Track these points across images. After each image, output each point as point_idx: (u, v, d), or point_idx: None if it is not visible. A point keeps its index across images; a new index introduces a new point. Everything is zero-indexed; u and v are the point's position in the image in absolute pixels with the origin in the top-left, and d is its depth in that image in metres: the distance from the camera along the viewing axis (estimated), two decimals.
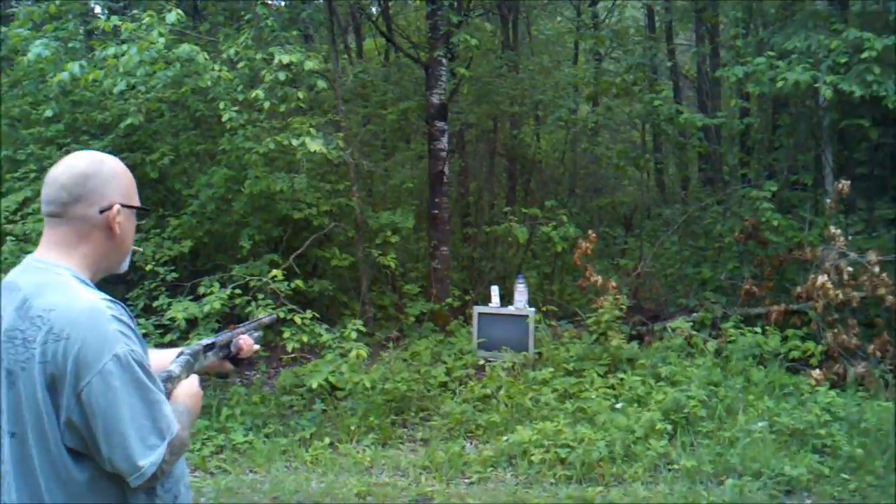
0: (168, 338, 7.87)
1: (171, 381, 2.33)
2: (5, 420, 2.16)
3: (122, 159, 7.27)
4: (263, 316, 3.28)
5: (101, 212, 2.24)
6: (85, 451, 2.09)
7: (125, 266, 2.39)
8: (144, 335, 2.49)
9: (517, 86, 12.17)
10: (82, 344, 2.04)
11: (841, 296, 8.04)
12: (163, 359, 2.47)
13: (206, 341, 2.62)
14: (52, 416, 2.07)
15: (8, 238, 8.55)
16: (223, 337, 2.72)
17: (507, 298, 9.12)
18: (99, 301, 2.12)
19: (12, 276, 2.25)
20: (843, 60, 8.35)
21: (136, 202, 2.35)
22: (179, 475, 2.34)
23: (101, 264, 2.30)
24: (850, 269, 8.16)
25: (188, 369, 2.44)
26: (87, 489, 2.12)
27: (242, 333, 2.80)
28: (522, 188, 12.85)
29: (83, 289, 2.16)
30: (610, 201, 13.48)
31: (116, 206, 2.26)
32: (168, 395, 2.28)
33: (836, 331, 8.09)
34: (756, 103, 12.35)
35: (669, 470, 6.57)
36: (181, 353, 2.49)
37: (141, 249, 2.39)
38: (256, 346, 2.84)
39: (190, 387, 2.39)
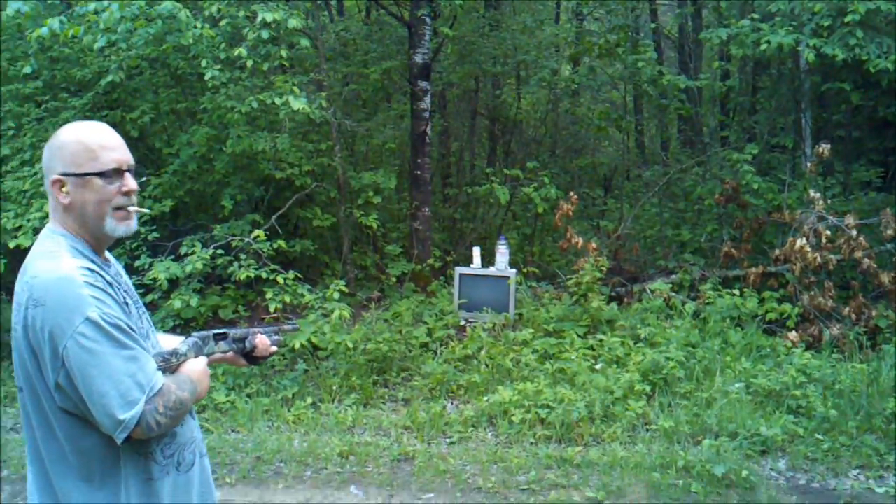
0: (149, 298, 7.88)
1: (175, 356, 2.41)
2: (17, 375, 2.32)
3: (102, 118, 7.20)
4: (286, 323, 3.33)
5: (52, 184, 2.34)
6: (77, 412, 2.20)
7: (115, 230, 2.40)
8: None
9: (500, 46, 12.12)
10: (56, 311, 2.15)
11: (819, 259, 8.12)
12: (170, 343, 2.56)
13: (217, 330, 2.69)
14: (39, 376, 2.21)
15: None
16: (238, 330, 2.78)
17: (488, 259, 9.16)
18: (74, 269, 2.21)
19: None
20: (826, 23, 8.34)
21: (88, 168, 2.34)
22: (186, 442, 2.42)
23: (85, 231, 2.38)
24: (828, 232, 8.24)
25: (195, 350, 2.51)
26: (75, 448, 2.23)
27: (260, 333, 2.85)
28: (504, 149, 12.83)
29: (68, 257, 2.25)
30: (590, 162, 13.48)
31: (54, 177, 2.33)
32: (173, 370, 2.38)
33: (812, 293, 8.19)
34: (737, 65, 12.36)
35: (647, 430, 6.67)
36: (189, 335, 2.57)
37: (147, 211, 2.43)
38: (273, 348, 2.90)
39: (196, 364, 2.47)
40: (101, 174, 2.35)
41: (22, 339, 2.20)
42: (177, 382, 2.31)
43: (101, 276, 2.26)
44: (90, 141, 2.36)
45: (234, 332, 2.74)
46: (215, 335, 2.65)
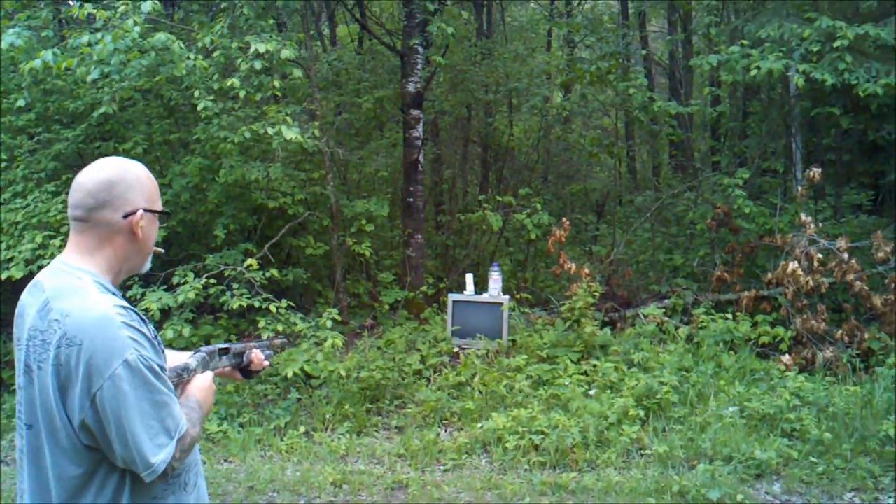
0: None
1: (187, 372, 2.48)
2: (23, 412, 2.29)
3: (95, 149, 7.22)
4: (275, 337, 3.37)
5: (125, 216, 2.32)
6: (98, 448, 2.20)
7: (146, 267, 2.48)
8: None
9: (491, 74, 12.20)
10: (94, 351, 2.13)
11: (811, 282, 8.15)
12: (176, 359, 2.58)
13: (222, 345, 2.77)
14: (63, 414, 2.18)
15: None
16: (238, 345, 2.85)
17: (480, 286, 9.16)
18: (110, 308, 2.19)
19: (40, 276, 2.37)
20: (815, 49, 8.41)
21: (159, 206, 2.44)
22: (191, 463, 2.43)
23: (124, 266, 2.39)
24: (819, 255, 8.27)
25: (204, 365, 2.58)
26: (90, 483, 2.22)
27: (255, 348, 2.92)
28: (496, 176, 12.86)
29: (99, 294, 2.23)
30: (582, 188, 13.51)
31: (140, 211, 2.34)
32: (183, 386, 2.44)
33: (805, 316, 8.20)
34: (727, 91, 12.45)
35: (642, 455, 6.66)
36: (198, 350, 2.62)
37: (163, 251, 2.55)
38: (266, 363, 2.96)
39: (203, 381, 2.53)
40: (163, 213, 2.46)
41: (51, 377, 2.17)
42: (189, 418, 2.32)
43: (135, 313, 2.25)
44: (154, 181, 2.43)
45: (234, 347, 2.82)
46: (220, 350, 2.73)
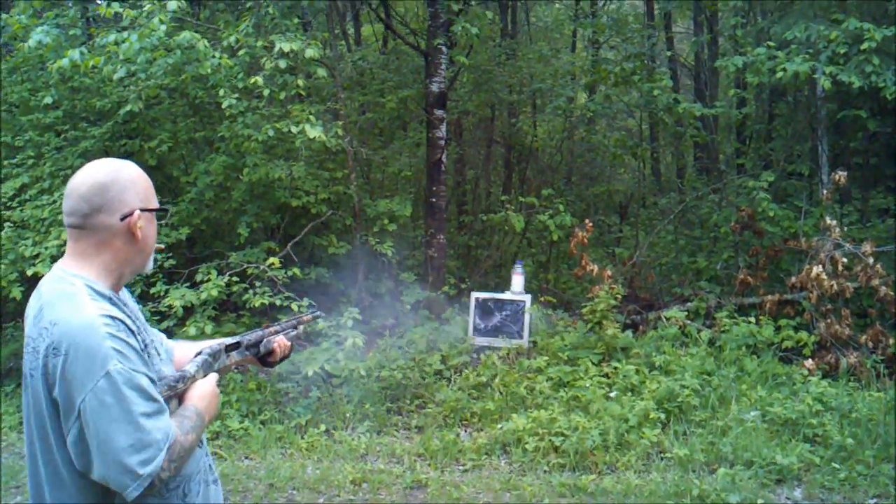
0: (164, 324, 7.90)
1: (184, 381, 2.36)
2: (24, 415, 2.28)
3: (121, 147, 7.29)
4: (306, 313, 3.19)
5: (123, 219, 2.29)
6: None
7: (149, 267, 2.44)
8: None
9: (515, 74, 12.18)
10: (76, 362, 2.09)
11: (835, 286, 8.08)
12: (189, 351, 2.55)
13: (229, 340, 2.64)
14: (55, 420, 2.16)
15: (6, 224, 8.60)
16: (251, 337, 2.73)
17: (503, 286, 9.15)
18: (97, 318, 2.14)
19: (41, 282, 2.34)
20: (842, 51, 8.35)
21: (155, 204, 2.40)
22: (191, 473, 2.36)
23: (125, 269, 2.35)
24: (844, 259, 8.20)
25: (205, 369, 2.47)
26: (83, 488, 2.19)
27: (276, 333, 2.82)
28: (519, 176, 12.86)
29: (88, 302, 2.18)
30: (606, 190, 13.49)
31: (137, 212, 2.30)
32: (181, 395, 2.35)
33: (829, 321, 8.14)
34: (753, 93, 12.37)
35: (662, 458, 6.63)
36: (200, 353, 2.51)
37: (164, 247, 2.47)
38: (288, 344, 2.86)
39: (204, 388, 2.43)
40: (160, 211, 2.44)
41: (41, 387, 2.15)
42: (182, 426, 2.24)
43: (123, 321, 2.19)
44: (148, 179, 2.40)
45: (247, 339, 2.70)
46: (227, 346, 2.60)
